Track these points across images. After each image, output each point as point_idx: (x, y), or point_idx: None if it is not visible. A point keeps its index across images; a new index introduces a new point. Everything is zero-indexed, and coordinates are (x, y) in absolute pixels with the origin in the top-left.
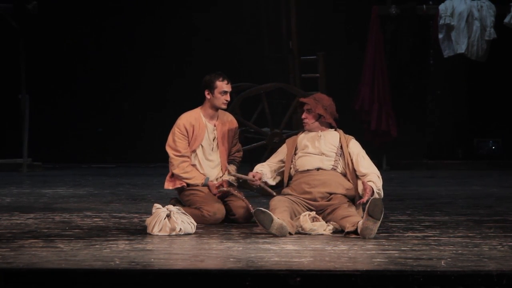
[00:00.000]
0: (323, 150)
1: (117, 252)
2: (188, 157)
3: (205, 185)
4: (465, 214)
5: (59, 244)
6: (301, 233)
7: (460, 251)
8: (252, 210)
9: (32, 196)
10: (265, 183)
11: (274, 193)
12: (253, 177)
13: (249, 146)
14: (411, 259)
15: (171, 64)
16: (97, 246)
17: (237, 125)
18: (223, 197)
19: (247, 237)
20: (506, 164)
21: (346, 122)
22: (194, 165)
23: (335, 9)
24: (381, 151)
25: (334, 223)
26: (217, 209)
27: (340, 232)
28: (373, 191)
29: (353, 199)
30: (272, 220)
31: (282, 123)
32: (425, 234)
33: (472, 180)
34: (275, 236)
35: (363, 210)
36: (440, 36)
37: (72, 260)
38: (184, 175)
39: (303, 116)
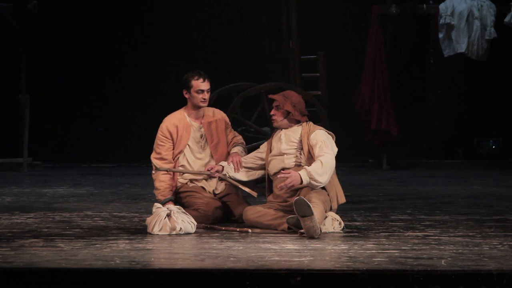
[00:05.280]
0: (283, 150)
1: (118, 252)
2: (169, 160)
3: (162, 203)
4: (465, 213)
5: (60, 244)
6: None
7: (460, 251)
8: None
9: (32, 195)
10: (225, 175)
11: (244, 188)
12: (210, 169)
13: (249, 146)
14: (412, 259)
15: (171, 63)
16: (97, 245)
17: (225, 117)
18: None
19: (247, 236)
20: (506, 163)
21: (346, 122)
22: (182, 166)
23: (335, 8)
24: (381, 151)
25: (338, 217)
26: (215, 209)
27: (347, 231)
28: (301, 179)
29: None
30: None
31: None
32: (426, 233)
33: (472, 179)
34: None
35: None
36: (440, 35)
37: (72, 259)
38: (155, 183)
39: (271, 113)
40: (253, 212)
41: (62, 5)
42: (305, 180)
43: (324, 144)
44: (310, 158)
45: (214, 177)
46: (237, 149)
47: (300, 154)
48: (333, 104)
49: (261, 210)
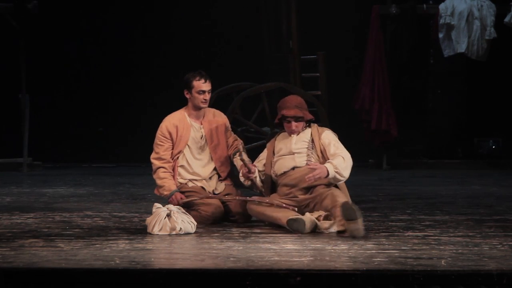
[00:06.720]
0: (294, 149)
1: (117, 252)
2: (167, 160)
3: (169, 197)
4: (465, 213)
5: (59, 244)
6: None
7: (460, 251)
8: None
9: (32, 195)
10: (256, 178)
11: (264, 194)
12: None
13: (249, 146)
14: (412, 259)
15: (172, 63)
16: (97, 245)
17: (225, 119)
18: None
19: (247, 236)
20: (506, 163)
21: (346, 122)
22: (182, 166)
23: (335, 8)
24: (381, 151)
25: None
26: (215, 209)
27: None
28: (327, 172)
29: (335, 185)
30: (305, 223)
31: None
32: (426, 233)
33: (472, 179)
34: (308, 233)
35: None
36: (440, 35)
37: (72, 259)
38: (157, 182)
39: (293, 127)
40: (258, 204)
41: (62, 5)
42: (331, 173)
43: (338, 143)
44: (322, 158)
45: (251, 176)
46: (245, 158)
47: (312, 153)
48: (333, 104)
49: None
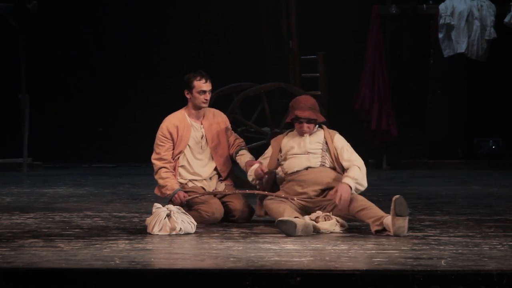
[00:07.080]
0: (308, 149)
1: (117, 252)
2: (169, 160)
3: (172, 196)
4: (465, 213)
5: (59, 244)
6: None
7: (460, 251)
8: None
9: (32, 195)
10: (264, 179)
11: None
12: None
13: (249, 146)
14: (411, 259)
15: (172, 63)
16: (97, 245)
17: (226, 118)
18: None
19: (247, 236)
20: (506, 163)
21: (346, 122)
22: (182, 166)
23: (335, 8)
24: (381, 151)
25: (341, 220)
26: (215, 209)
27: (346, 231)
28: (350, 188)
29: None
30: (295, 225)
31: (282, 123)
32: (425, 233)
33: (472, 179)
34: (300, 237)
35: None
36: (440, 35)
37: (72, 259)
38: (159, 182)
39: (305, 128)
40: (270, 201)
41: (62, 5)
42: (353, 187)
43: (350, 148)
44: (334, 160)
45: (265, 176)
46: (249, 156)
47: (326, 155)
48: (333, 104)
49: (276, 199)
